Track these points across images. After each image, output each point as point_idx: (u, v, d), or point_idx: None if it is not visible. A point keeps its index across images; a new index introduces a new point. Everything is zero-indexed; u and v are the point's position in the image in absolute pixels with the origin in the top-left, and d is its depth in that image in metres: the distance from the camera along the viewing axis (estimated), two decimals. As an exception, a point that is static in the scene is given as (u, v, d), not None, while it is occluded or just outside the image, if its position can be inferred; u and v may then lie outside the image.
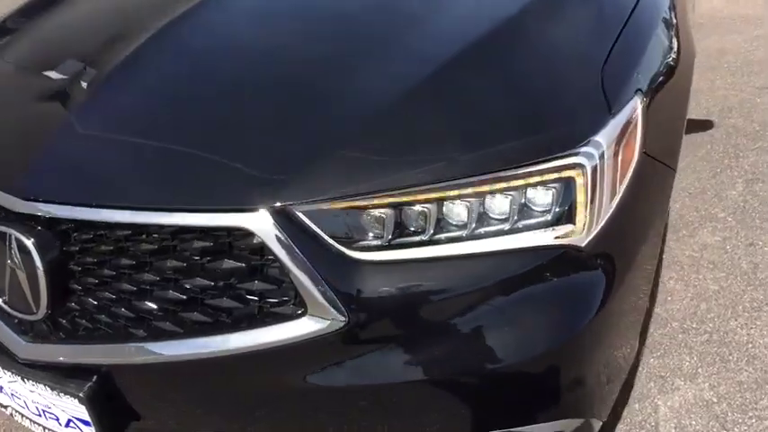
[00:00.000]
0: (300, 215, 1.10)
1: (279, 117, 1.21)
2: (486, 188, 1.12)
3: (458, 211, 1.13)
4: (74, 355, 1.23)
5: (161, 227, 1.13)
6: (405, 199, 1.10)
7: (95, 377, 1.21)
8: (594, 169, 1.15)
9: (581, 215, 1.15)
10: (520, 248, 1.13)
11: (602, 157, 1.16)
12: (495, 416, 1.20)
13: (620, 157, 1.22)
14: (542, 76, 1.27)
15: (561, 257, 1.15)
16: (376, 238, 1.12)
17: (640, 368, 1.92)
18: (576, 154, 1.14)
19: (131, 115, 1.26)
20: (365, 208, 1.11)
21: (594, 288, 1.17)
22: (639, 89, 1.30)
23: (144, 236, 1.15)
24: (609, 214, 1.19)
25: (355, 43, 1.37)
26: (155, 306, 1.18)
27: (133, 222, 1.13)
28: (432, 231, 1.12)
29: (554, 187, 1.13)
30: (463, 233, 1.12)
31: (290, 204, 1.09)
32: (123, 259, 1.17)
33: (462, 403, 1.18)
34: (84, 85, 1.31)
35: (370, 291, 1.10)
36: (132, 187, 1.15)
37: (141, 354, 1.18)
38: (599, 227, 1.17)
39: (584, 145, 1.15)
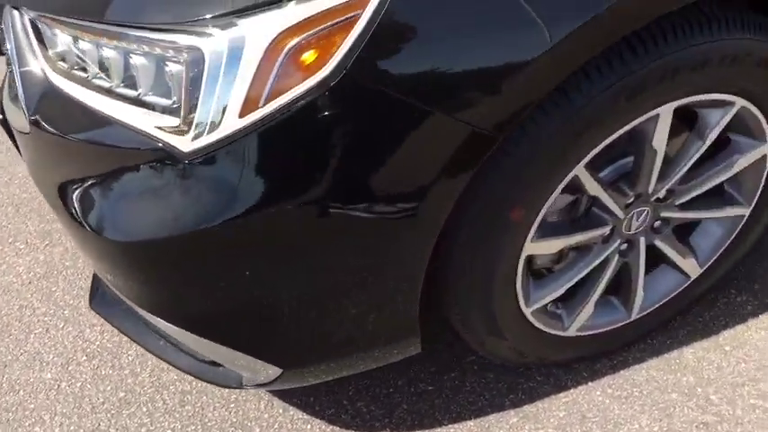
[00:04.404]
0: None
1: None
2: (123, 44, 1.00)
3: (108, 56, 1.02)
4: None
5: None
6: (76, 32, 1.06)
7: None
8: (218, 59, 0.92)
9: (185, 109, 0.96)
10: (133, 126, 1.01)
11: (238, 49, 0.91)
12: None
13: (285, 59, 0.91)
14: None
15: (158, 156, 1.00)
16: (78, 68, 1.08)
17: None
18: (198, 33, 0.93)
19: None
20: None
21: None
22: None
23: None
24: (236, 128, 0.95)
25: None
26: None
27: None
28: (92, 71, 1.05)
29: (175, 61, 0.95)
30: (112, 85, 1.03)
31: None
32: None
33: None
34: None
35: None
36: None
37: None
38: (215, 137, 0.95)
39: (210, 24, 0.92)
